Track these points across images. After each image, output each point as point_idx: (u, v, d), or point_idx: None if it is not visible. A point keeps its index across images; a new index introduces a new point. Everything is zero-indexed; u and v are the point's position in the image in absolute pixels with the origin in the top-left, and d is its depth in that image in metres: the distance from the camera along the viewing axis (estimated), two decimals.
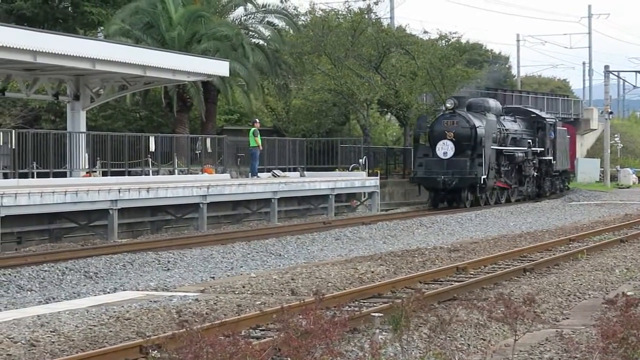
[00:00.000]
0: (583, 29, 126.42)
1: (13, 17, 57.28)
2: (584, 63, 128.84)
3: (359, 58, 67.66)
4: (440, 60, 71.31)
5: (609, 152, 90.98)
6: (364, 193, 55.05)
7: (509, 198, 58.52)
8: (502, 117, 58.89)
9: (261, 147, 50.91)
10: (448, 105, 54.44)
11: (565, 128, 71.85)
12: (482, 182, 52.79)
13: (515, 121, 60.96)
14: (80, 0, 64.95)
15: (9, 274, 25.66)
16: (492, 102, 58.90)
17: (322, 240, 36.00)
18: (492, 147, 54.33)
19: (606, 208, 55.39)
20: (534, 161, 61.65)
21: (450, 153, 53.04)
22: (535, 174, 62.30)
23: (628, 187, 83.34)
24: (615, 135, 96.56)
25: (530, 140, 60.83)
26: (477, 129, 53.07)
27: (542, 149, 62.79)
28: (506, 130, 58.00)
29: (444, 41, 77.83)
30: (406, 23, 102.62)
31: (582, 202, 61.20)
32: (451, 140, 52.97)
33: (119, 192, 36.77)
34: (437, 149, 53.58)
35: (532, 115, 64.29)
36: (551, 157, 64.29)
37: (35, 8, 62.66)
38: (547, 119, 64.96)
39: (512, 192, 59.21)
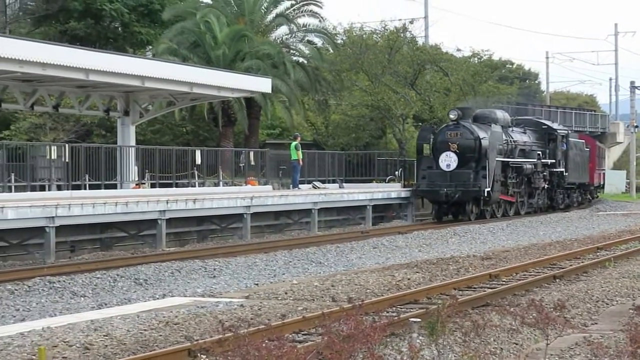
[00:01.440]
0: (610, 46, 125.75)
1: (67, 37, 57.64)
2: (610, 79, 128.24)
3: (395, 75, 67.53)
4: (472, 77, 71.24)
5: (635, 164, 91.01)
6: (400, 204, 54.78)
7: (518, 211, 56.06)
8: (511, 129, 56.37)
9: (302, 160, 50.92)
10: (452, 116, 52.03)
11: (582, 140, 69.11)
12: (486, 194, 50.21)
13: (524, 132, 58.43)
14: (130, 21, 65.32)
15: (64, 281, 25.77)
16: (500, 114, 56.32)
17: (361, 248, 35.98)
18: (497, 158, 51.53)
19: (632, 218, 55.12)
20: (545, 173, 59.09)
21: (454, 165, 50.60)
22: (546, 185, 59.76)
23: None
24: None
25: (540, 152, 58.20)
26: (482, 140, 50.53)
27: (553, 161, 60.02)
28: (514, 141, 55.30)
29: (476, 58, 77.76)
30: (440, 41, 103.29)
31: (609, 212, 60.91)
32: (454, 152, 50.55)
33: (167, 203, 36.88)
34: (440, 161, 51.12)
35: (543, 126, 61.76)
36: (563, 169, 61.37)
37: (88, 28, 63.03)
38: (559, 130, 62.25)
39: (522, 204, 56.77)
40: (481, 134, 50.42)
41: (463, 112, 51.49)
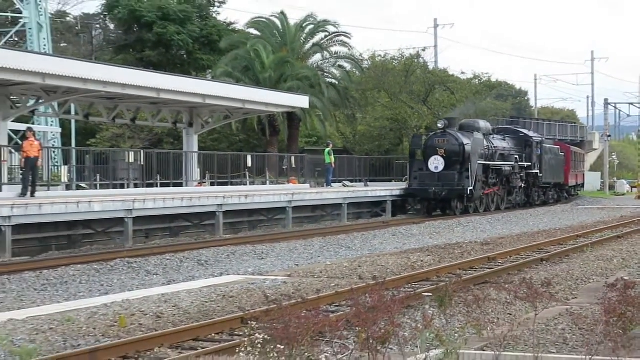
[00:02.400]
0: (587, 69, 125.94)
1: (143, 63, 57.93)
2: (587, 97, 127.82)
3: (410, 93, 67.63)
4: (474, 95, 71.18)
5: (608, 167, 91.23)
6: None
7: (499, 206, 54.18)
8: (492, 136, 54.46)
9: (334, 163, 50.93)
10: (439, 125, 50.37)
11: (557, 146, 66.97)
12: (469, 192, 48.58)
13: (504, 139, 56.49)
14: (193, 49, 65.64)
15: (139, 262, 25.87)
16: (482, 123, 54.39)
17: (382, 236, 35.93)
18: (479, 162, 49.81)
19: (606, 211, 54.84)
20: (522, 174, 57.35)
21: (441, 167, 48.71)
22: (523, 185, 57.91)
23: (623, 195, 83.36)
24: (613, 153, 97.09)
25: (517, 156, 56.34)
26: (465, 146, 48.82)
27: (529, 164, 58.06)
28: (495, 147, 53.28)
29: (477, 80, 77.77)
30: (447, 66, 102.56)
31: (587, 206, 60.62)
32: (442, 156, 48.69)
33: (224, 198, 36.92)
34: (429, 163, 49.10)
35: (520, 134, 59.83)
36: (538, 171, 59.44)
37: (160, 56, 63.34)
38: (534, 137, 60.47)
39: (502, 200, 54.87)
40: (465, 141, 49.16)
41: (449, 122, 50.32)
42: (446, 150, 48.58)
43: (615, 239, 34.33)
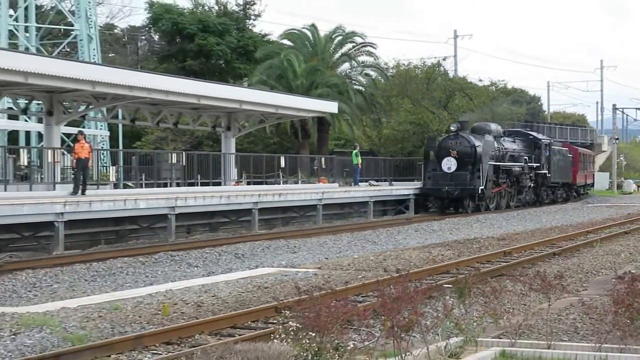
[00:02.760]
0: (596, 77, 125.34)
1: (185, 71, 58.07)
2: (597, 102, 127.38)
3: (432, 99, 67.48)
4: (491, 101, 71.01)
5: (616, 167, 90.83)
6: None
7: (509, 204, 53.18)
8: (502, 138, 53.51)
9: (360, 164, 50.89)
10: (452, 128, 49.85)
11: (565, 148, 65.68)
12: (480, 192, 47.66)
13: (514, 142, 55.53)
14: (231, 59, 65.76)
15: (181, 255, 25.97)
16: (493, 126, 53.61)
17: (405, 231, 35.91)
18: (489, 162, 48.82)
19: (614, 209, 54.57)
20: (531, 174, 56.12)
21: (454, 168, 47.74)
22: (532, 184, 56.66)
23: (630, 194, 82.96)
24: (621, 155, 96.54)
25: (527, 157, 55.19)
26: (477, 147, 47.93)
27: (538, 164, 56.98)
28: (505, 149, 52.40)
29: (493, 87, 77.54)
30: (466, 73, 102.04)
31: (596, 204, 60.36)
32: (454, 157, 47.82)
33: (259, 196, 36.99)
34: (442, 164, 48.23)
35: (530, 136, 58.79)
36: (546, 171, 58.20)
37: (200, 65, 63.47)
38: (542, 140, 59.15)
39: (512, 199, 53.90)
40: (476, 143, 48.36)
41: (462, 125, 50.07)
42: (458, 151, 47.95)
43: (623, 235, 34.20)
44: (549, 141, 60.21)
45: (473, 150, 47.82)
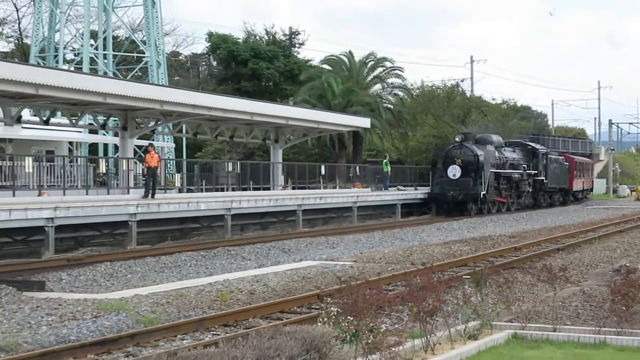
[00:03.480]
0: (595, 96, 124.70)
1: (239, 92, 58.27)
2: (595, 117, 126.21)
3: (451, 115, 67.32)
4: (502, 117, 70.79)
5: (612, 174, 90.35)
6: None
7: (509, 208, 51.19)
8: (503, 148, 51.80)
9: (389, 172, 50.77)
10: (457, 139, 48.07)
11: (562, 157, 63.05)
12: (482, 196, 46.05)
13: (514, 151, 53.55)
14: (279, 81, 66.02)
15: (236, 250, 26.07)
16: (495, 137, 52.00)
17: (429, 229, 35.81)
18: (490, 170, 47.23)
19: (610, 210, 54.07)
20: (529, 181, 54.15)
21: (458, 175, 46.08)
22: (530, 190, 54.68)
23: (624, 197, 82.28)
24: (616, 164, 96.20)
25: (525, 165, 53.32)
26: (479, 156, 46.28)
27: (536, 172, 54.92)
28: (505, 157, 50.71)
29: (505, 104, 77.32)
30: (481, 93, 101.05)
31: (594, 207, 59.78)
32: (459, 165, 46.20)
33: (302, 199, 37.03)
34: (448, 171, 46.49)
35: (528, 147, 56.56)
36: (543, 178, 56.04)
37: (253, 86, 63.78)
38: (540, 149, 56.97)
39: (512, 203, 51.68)
40: (479, 152, 46.71)
41: (466, 136, 48.57)
42: (462, 160, 46.43)
43: (619, 233, 33.93)
44: (545, 150, 58.60)
45: (476, 159, 46.45)
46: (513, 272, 18.97)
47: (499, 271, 18.85)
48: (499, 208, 49.60)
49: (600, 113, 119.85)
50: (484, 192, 46.08)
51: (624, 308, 12.37)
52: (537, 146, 57.81)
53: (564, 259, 23.13)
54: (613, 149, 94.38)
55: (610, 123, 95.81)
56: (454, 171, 46.28)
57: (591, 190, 74.44)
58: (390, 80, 65.52)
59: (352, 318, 9.18)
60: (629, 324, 12.10)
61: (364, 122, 49.72)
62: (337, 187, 48.65)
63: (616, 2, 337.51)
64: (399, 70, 65.54)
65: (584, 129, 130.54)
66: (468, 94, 77.56)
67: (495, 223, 40.15)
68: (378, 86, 65.50)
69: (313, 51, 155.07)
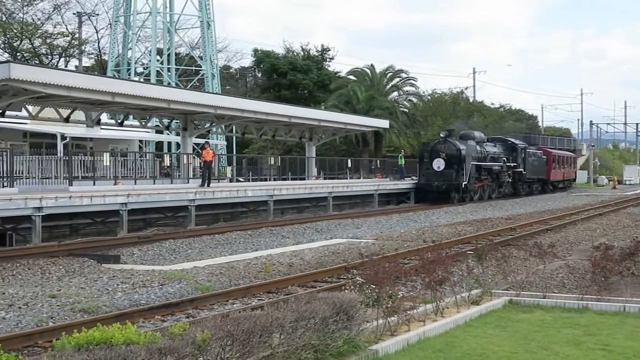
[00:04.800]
0: (578, 101, 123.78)
1: (279, 99, 58.19)
2: (578, 119, 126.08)
3: (457, 118, 66.92)
4: (500, 119, 70.25)
5: (592, 167, 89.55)
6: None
7: (491, 196, 48.19)
8: (485, 143, 48.83)
9: (404, 165, 50.57)
10: (442, 135, 45.16)
11: (540, 151, 59.35)
12: (463, 186, 43.33)
13: (495, 146, 50.37)
14: (313, 89, 65.95)
15: (277, 230, 26.11)
16: (477, 134, 49.00)
17: (438, 213, 35.61)
18: (472, 163, 44.46)
19: (591, 197, 53.44)
20: (509, 172, 51.01)
21: (442, 167, 43.20)
22: (510, 180, 51.52)
23: (602, 186, 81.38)
24: (596, 158, 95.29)
25: (505, 158, 50.31)
26: (461, 150, 43.52)
27: (515, 164, 51.77)
28: (487, 151, 47.66)
29: (502, 108, 76.74)
30: (482, 99, 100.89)
31: (578, 194, 59.13)
32: (443, 158, 43.29)
33: (332, 188, 37.01)
34: (433, 164, 43.56)
35: (508, 142, 53.12)
36: (522, 169, 52.89)
37: (291, 94, 63.68)
38: (519, 144, 53.72)
39: (493, 191, 48.75)
40: (461, 146, 43.97)
41: (450, 132, 45.80)
42: (447, 154, 43.55)
43: (598, 216, 33.54)
44: (524, 145, 54.99)
45: (458, 153, 43.65)
46: (509, 248, 18.83)
47: (497, 248, 18.80)
48: (480, 196, 46.90)
49: (583, 115, 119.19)
50: (466, 183, 43.73)
51: (602, 279, 12.25)
52: (517, 141, 55.06)
53: (552, 238, 22.91)
54: (593, 146, 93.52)
55: (591, 123, 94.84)
56: (439, 164, 43.66)
57: (574, 180, 73.34)
58: (405, 89, 65.43)
59: (374, 286, 9.16)
60: (607, 292, 11.97)
61: (384, 123, 49.56)
62: (361, 177, 48.57)
63: (594, 22, 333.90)
64: (413, 80, 65.47)
65: (569, 129, 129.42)
66: (471, 99, 77.13)
67: (494, 207, 39.86)
68: (395, 93, 65.34)
69: (341, 64, 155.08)
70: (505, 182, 51.04)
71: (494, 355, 8.38)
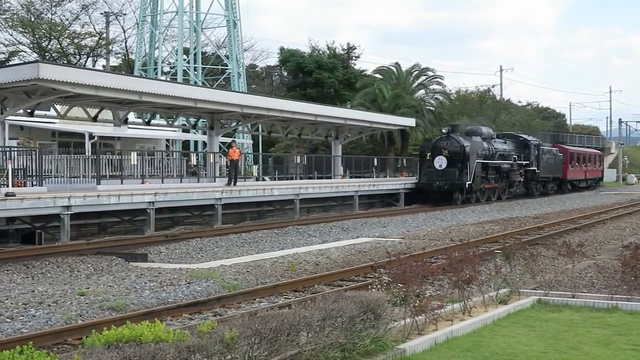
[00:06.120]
0: (607, 99, 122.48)
1: (305, 97, 58.21)
2: (607, 117, 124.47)
3: (484, 116, 66.51)
4: (527, 117, 69.71)
5: (621, 165, 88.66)
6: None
7: (500, 196, 44.89)
8: (493, 140, 45.28)
9: None
10: (444, 130, 42.64)
11: (555, 148, 56.07)
12: (467, 186, 39.86)
13: (505, 142, 46.88)
14: (339, 88, 65.91)
15: (304, 228, 26.14)
16: (484, 129, 45.60)
17: (464, 212, 35.47)
18: (477, 160, 41.05)
19: (620, 196, 52.97)
20: (520, 171, 47.58)
21: (444, 165, 40.03)
22: (522, 179, 47.96)
23: (632, 185, 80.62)
24: (625, 156, 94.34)
25: (516, 156, 46.80)
26: (465, 147, 40.27)
27: (528, 162, 48.38)
28: (495, 148, 44.09)
29: (529, 106, 76.15)
30: (509, 97, 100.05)
31: (606, 192, 58.62)
32: (445, 156, 40.11)
33: (359, 186, 36.98)
34: (434, 162, 40.42)
35: (520, 138, 49.76)
36: (535, 168, 49.39)
37: (316, 93, 63.68)
38: (532, 141, 50.11)
39: (503, 192, 45.37)
40: (465, 143, 40.72)
41: (453, 128, 42.94)
42: (449, 151, 40.52)
43: (628, 215, 33.26)
44: (538, 142, 51.56)
45: (462, 150, 40.41)
46: (537, 247, 18.70)
47: (525, 247, 18.67)
48: (488, 197, 43.66)
49: (612, 113, 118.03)
50: (470, 182, 40.33)
51: (632, 278, 12.13)
52: (529, 137, 51.57)
53: (581, 237, 22.70)
54: (622, 144, 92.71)
55: (620, 121, 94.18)
56: (440, 162, 40.60)
57: (600, 179, 71.68)
58: (432, 87, 65.09)
59: (401, 285, 9.14)
60: (638, 292, 11.85)
61: (410, 121, 49.37)
62: (387, 176, 48.45)
63: (623, 20, 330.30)
64: (439, 78, 65.10)
65: (597, 127, 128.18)
66: (498, 97, 76.68)
67: (521, 206, 39.60)
68: (422, 92, 65.04)
69: (367, 63, 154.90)
70: (517, 181, 47.71)
71: (523, 355, 8.32)
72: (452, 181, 39.95)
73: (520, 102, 78.13)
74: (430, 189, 40.31)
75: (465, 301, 10.30)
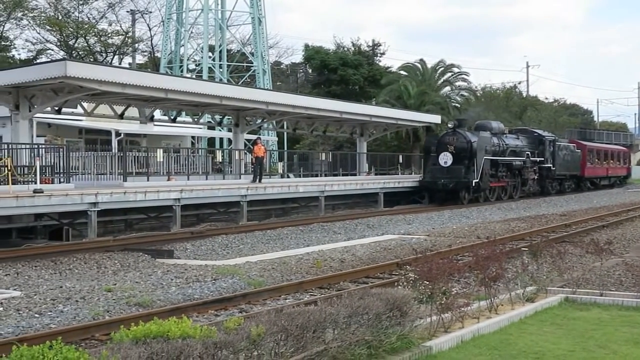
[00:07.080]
0: (634, 95, 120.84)
1: (330, 95, 58.19)
2: (635, 113, 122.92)
3: (510, 113, 66.16)
4: (554, 114, 69.15)
5: None
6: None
7: (512, 195, 42.23)
8: (505, 135, 42.40)
9: None
10: (450, 125, 39.72)
11: (573, 144, 53.39)
12: (474, 184, 37.50)
13: (517, 138, 44.07)
14: (364, 85, 65.86)
15: (329, 225, 26.13)
16: (494, 124, 42.64)
17: (490, 209, 35.24)
18: (486, 157, 38.54)
19: None
20: (534, 168, 44.91)
21: (450, 162, 37.83)
22: (536, 177, 45.16)
23: None
24: None
25: (529, 152, 44.18)
26: (473, 143, 37.93)
27: (542, 159, 45.83)
28: (506, 144, 41.51)
29: (556, 103, 75.54)
30: (536, 93, 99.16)
31: (634, 190, 57.93)
32: (451, 152, 37.86)
33: (383, 183, 36.90)
34: (439, 158, 38.16)
35: (534, 134, 46.82)
36: (550, 165, 46.77)
37: (341, 90, 63.73)
38: (547, 136, 47.48)
39: (515, 190, 42.61)
40: (472, 138, 38.41)
41: (459, 122, 40.05)
42: (455, 146, 38.13)
43: None
44: (553, 138, 48.75)
45: (469, 146, 38.08)
46: (564, 245, 18.55)
47: (552, 244, 18.51)
48: (499, 196, 41.28)
49: None
50: (477, 180, 37.83)
51: None
52: (544, 133, 48.91)
53: (609, 234, 22.49)
54: None
55: None
56: (446, 158, 38.32)
57: (626, 177, 69.86)
58: (457, 83, 64.78)
59: (427, 283, 9.11)
60: None
61: (435, 118, 49.21)
62: (413, 173, 48.30)
63: None
64: (465, 74, 64.78)
65: (625, 124, 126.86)
66: (524, 94, 76.16)
67: (548, 203, 39.28)
68: (447, 88, 64.75)
69: (392, 59, 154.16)
70: (530, 179, 44.90)
71: (550, 354, 8.26)
72: (458, 179, 37.76)
73: (546, 98, 77.67)
74: (435, 187, 38.33)
75: (492, 299, 10.25)
